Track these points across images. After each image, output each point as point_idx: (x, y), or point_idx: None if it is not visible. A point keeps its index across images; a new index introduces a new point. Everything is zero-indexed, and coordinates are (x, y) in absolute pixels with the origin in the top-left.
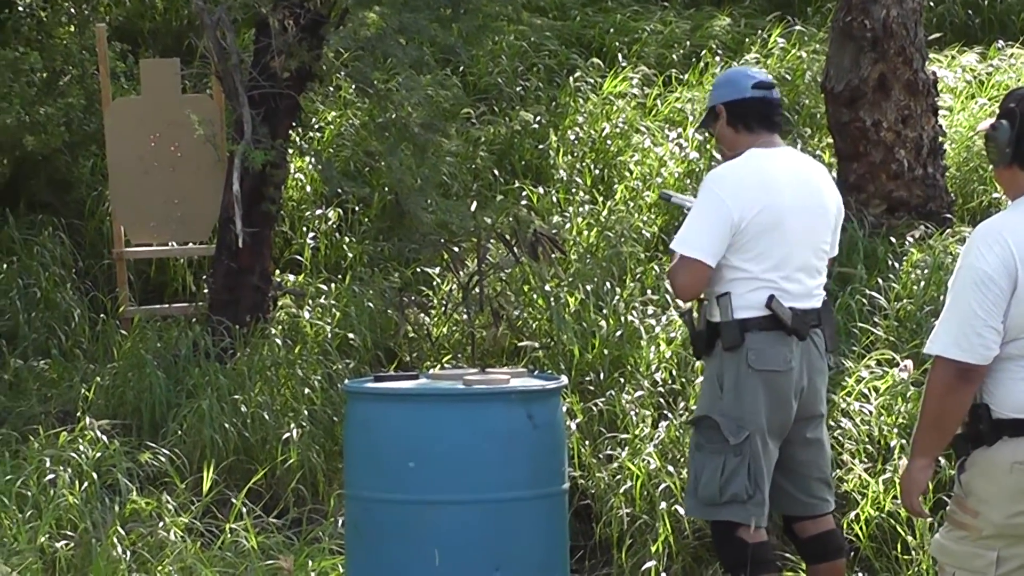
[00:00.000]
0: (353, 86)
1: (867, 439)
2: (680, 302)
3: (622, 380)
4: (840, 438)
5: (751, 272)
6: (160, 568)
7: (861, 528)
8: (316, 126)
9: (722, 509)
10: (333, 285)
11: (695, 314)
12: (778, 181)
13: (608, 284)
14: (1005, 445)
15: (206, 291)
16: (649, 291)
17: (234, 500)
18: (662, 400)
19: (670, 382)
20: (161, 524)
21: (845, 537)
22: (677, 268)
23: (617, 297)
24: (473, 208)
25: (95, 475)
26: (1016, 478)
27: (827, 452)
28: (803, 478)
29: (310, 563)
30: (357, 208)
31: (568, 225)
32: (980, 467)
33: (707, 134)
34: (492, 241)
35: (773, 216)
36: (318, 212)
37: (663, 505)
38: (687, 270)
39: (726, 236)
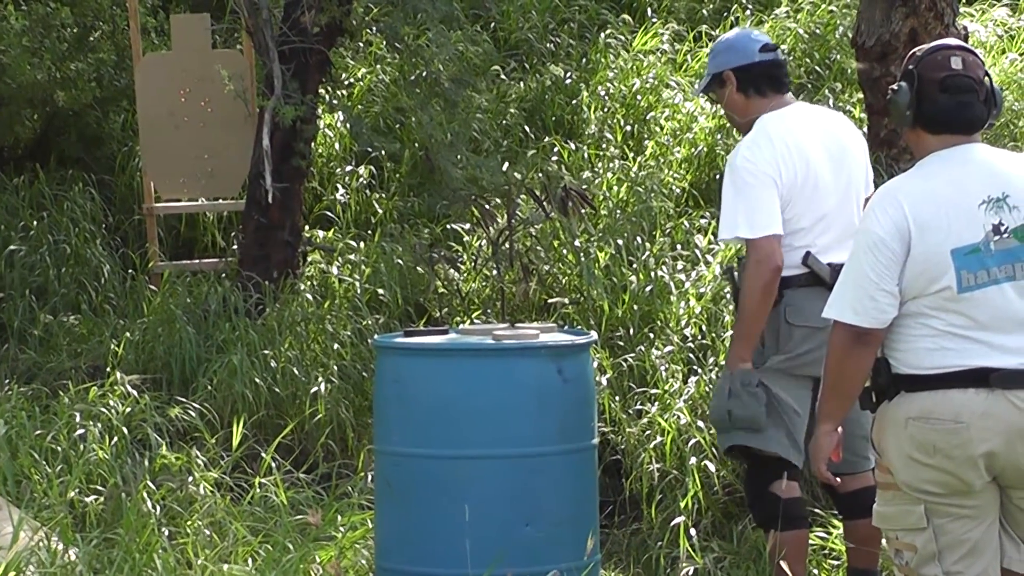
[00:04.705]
0: (383, 42)
1: None
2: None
3: (652, 335)
4: None
5: (788, 231)
6: (190, 522)
7: None
8: (346, 82)
9: (733, 434)
10: (363, 241)
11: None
12: (802, 142)
13: (638, 239)
14: (902, 400)
15: (236, 247)
16: (679, 246)
17: (264, 455)
18: (692, 355)
19: (700, 337)
20: (191, 479)
21: None
22: (750, 254)
23: (647, 252)
24: (504, 164)
25: (125, 430)
26: (911, 433)
27: None
28: (845, 435)
29: (339, 518)
30: (388, 165)
31: (598, 181)
32: (883, 423)
33: (710, 100)
34: (522, 197)
35: (806, 176)
36: (348, 169)
37: (693, 460)
38: (762, 249)
39: (778, 204)
